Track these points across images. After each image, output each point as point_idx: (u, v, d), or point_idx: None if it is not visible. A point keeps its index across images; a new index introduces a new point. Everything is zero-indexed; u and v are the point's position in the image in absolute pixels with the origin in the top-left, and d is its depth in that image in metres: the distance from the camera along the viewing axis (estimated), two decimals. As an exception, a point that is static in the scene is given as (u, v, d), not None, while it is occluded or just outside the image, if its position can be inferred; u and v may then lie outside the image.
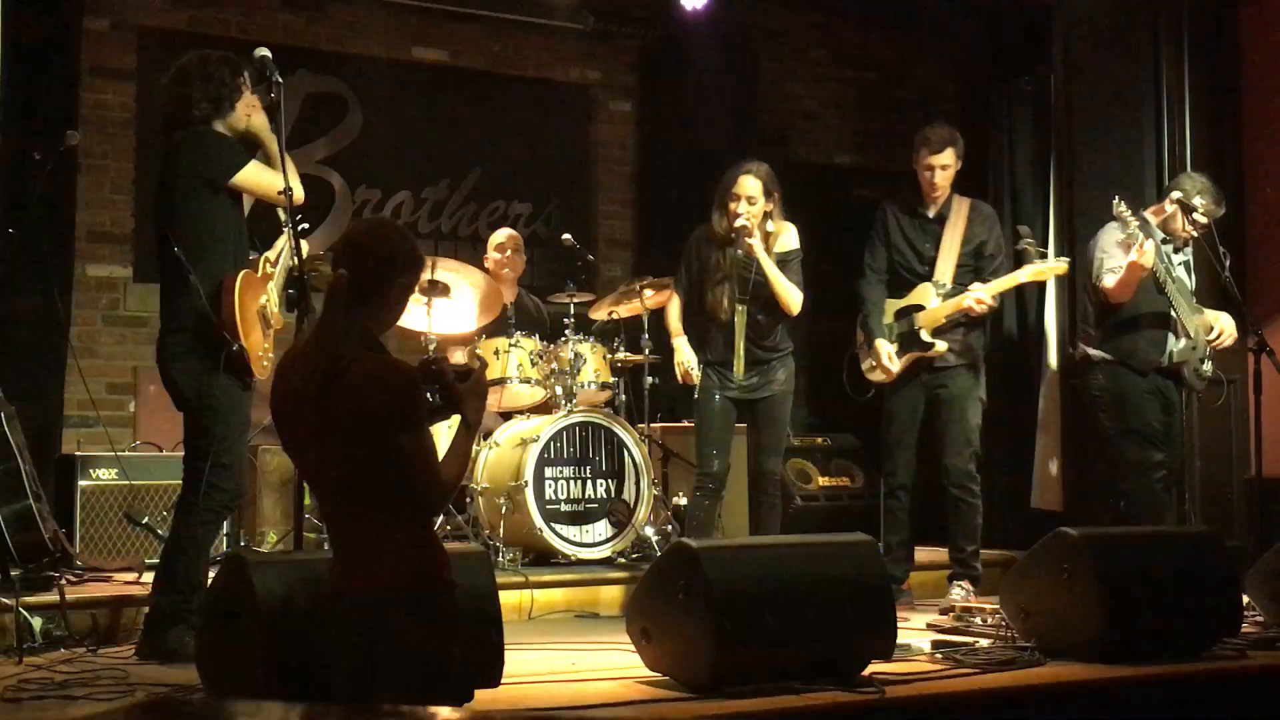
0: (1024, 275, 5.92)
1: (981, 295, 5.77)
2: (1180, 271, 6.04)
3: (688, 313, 6.05)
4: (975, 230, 5.90)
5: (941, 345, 5.82)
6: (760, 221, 5.75)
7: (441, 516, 6.16)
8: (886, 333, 5.90)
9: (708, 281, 5.86)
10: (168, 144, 4.66)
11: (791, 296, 5.77)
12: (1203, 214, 5.97)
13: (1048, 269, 5.94)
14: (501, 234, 7.26)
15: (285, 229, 4.55)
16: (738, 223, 5.69)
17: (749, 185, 5.76)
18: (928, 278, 5.90)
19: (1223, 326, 6.05)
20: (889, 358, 5.85)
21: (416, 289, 6.18)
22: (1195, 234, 5.99)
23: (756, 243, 5.70)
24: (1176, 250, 6.02)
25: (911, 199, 5.98)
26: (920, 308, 5.89)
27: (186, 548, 4.47)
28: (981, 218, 5.95)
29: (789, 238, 5.87)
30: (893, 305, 5.96)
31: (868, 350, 5.97)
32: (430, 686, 2.92)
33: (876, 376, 5.96)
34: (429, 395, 3.03)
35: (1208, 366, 6.03)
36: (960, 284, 5.86)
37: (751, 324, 5.78)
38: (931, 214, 5.91)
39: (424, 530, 3.05)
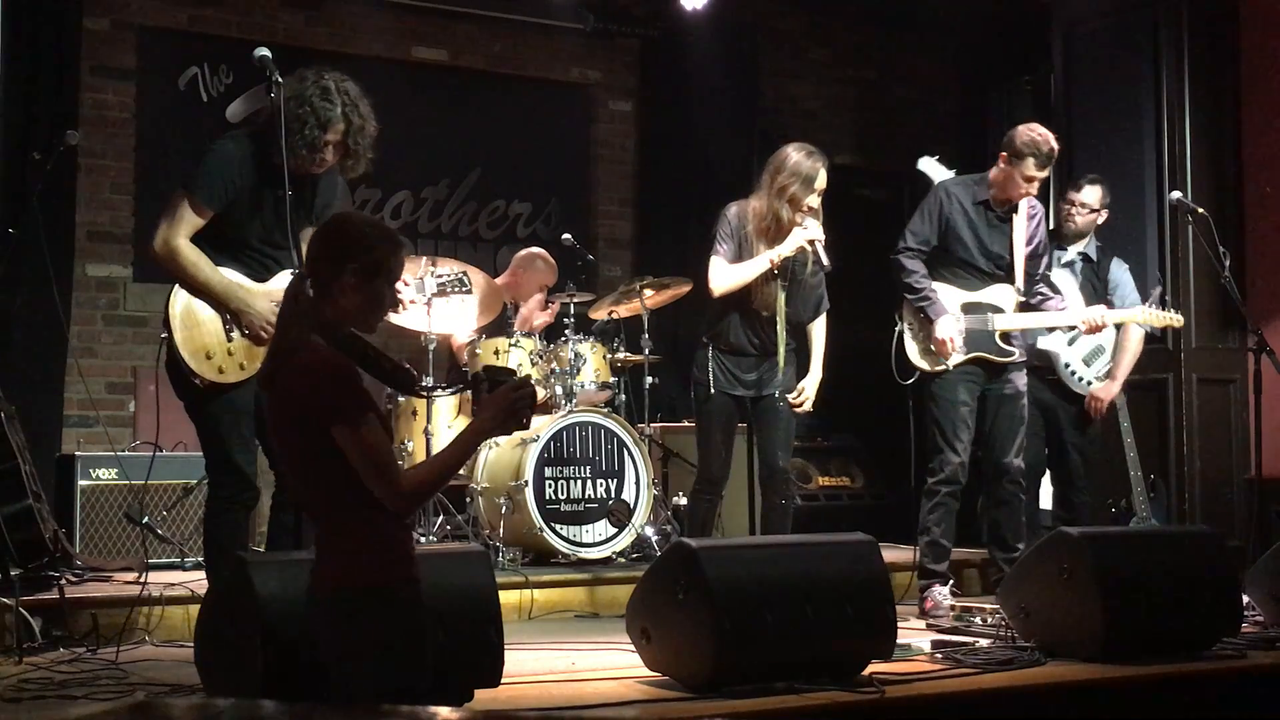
0: (1139, 315, 5.77)
1: (1102, 322, 5.66)
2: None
3: (714, 299, 5.64)
4: (1034, 230, 5.69)
5: (1018, 356, 5.60)
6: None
7: (441, 516, 6.16)
8: (953, 316, 5.54)
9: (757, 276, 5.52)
10: None
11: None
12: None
13: (1164, 317, 5.76)
14: (547, 264, 7.11)
15: (293, 235, 4.52)
16: (813, 232, 5.42)
17: (825, 181, 5.49)
18: (995, 276, 5.62)
19: None
20: (954, 340, 5.48)
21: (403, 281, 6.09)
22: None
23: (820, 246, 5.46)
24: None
25: (977, 190, 5.63)
26: (997, 309, 5.59)
27: (209, 545, 4.50)
28: (1038, 217, 5.73)
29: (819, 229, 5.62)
30: (958, 296, 5.59)
31: (920, 328, 5.58)
32: (403, 685, 2.87)
33: (924, 362, 5.55)
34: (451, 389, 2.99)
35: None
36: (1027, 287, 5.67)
37: (788, 321, 5.55)
38: (1002, 212, 5.62)
39: (380, 527, 2.94)
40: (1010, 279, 5.63)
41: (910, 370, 5.58)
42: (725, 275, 5.52)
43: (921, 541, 5.59)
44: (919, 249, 5.59)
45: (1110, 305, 6.09)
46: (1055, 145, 5.51)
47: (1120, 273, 6.31)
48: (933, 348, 5.54)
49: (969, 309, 5.59)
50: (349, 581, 2.92)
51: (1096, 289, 6.21)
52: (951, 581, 5.61)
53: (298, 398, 2.92)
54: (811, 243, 5.44)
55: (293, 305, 2.99)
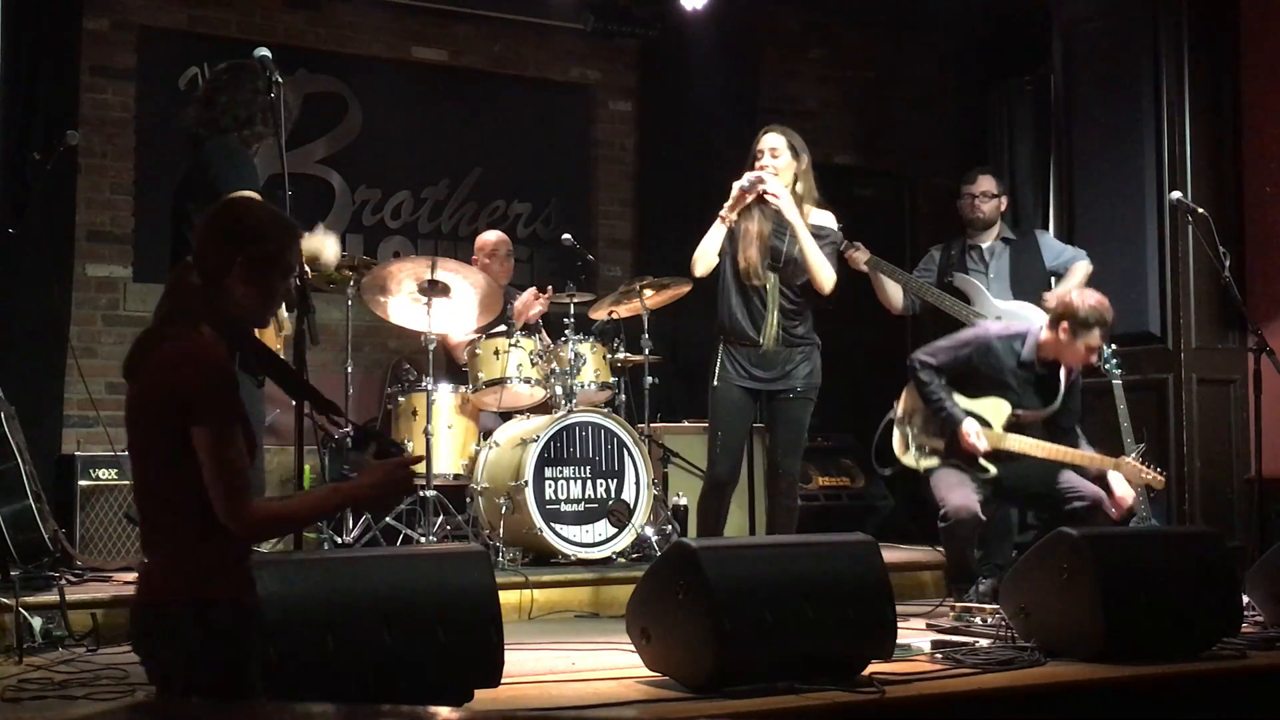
0: (1125, 469, 5.54)
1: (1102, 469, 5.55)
2: None
3: (717, 290, 5.69)
4: (1069, 383, 5.64)
5: (993, 473, 5.52)
6: (791, 184, 5.54)
7: (441, 516, 6.15)
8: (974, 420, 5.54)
9: (739, 247, 5.53)
10: (193, 155, 4.71)
11: (821, 267, 5.47)
12: None
13: (1146, 475, 5.50)
14: (492, 237, 7.24)
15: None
16: (756, 173, 5.48)
17: (770, 139, 5.59)
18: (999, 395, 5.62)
19: None
20: (978, 445, 5.46)
21: (418, 287, 6.14)
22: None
23: (783, 195, 5.45)
24: None
25: (1023, 350, 5.53)
26: (985, 423, 5.53)
27: None
28: (1075, 377, 5.68)
29: (824, 216, 5.64)
30: (960, 400, 5.60)
31: (910, 423, 5.66)
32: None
33: (905, 457, 5.64)
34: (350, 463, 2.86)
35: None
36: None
37: (782, 297, 5.53)
38: (1043, 370, 5.55)
39: (213, 540, 2.76)
40: (1015, 400, 5.58)
41: (890, 460, 5.69)
42: (696, 251, 5.62)
43: (946, 565, 5.68)
44: (936, 369, 5.58)
45: (1050, 272, 6.38)
46: (1112, 319, 5.53)
47: (1046, 238, 6.64)
48: (926, 446, 5.63)
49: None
50: (168, 593, 2.75)
51: (1030, 262, 6.39)
52: (978, 580, 5.59)
53: (165, 384, 2.73)
54: (753, 186, 5.48)
55: (176, 292, 2.84)
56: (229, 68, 4.80)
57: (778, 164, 5.56)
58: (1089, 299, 5.48)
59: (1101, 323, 5.44)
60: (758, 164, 5.58)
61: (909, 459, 5.67)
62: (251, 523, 2.75)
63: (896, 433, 5.72)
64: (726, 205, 5.56)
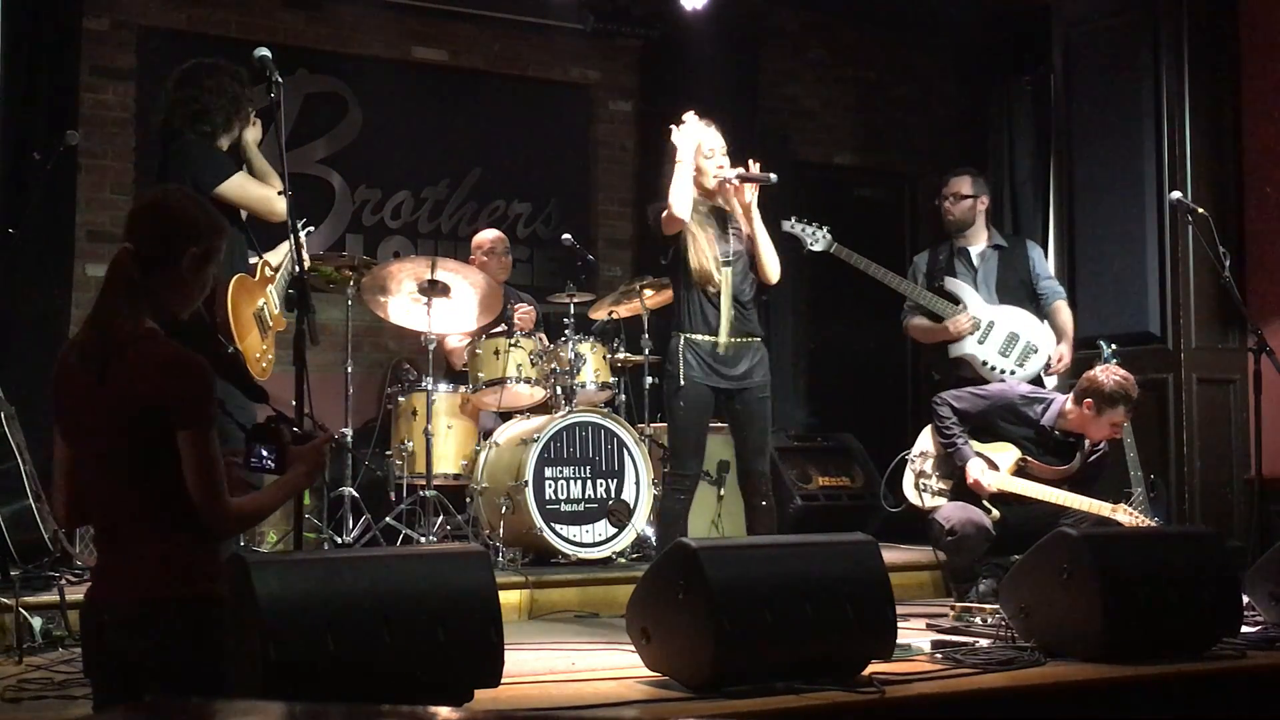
0: (1121, 516, 5.56)
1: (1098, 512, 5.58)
2: None
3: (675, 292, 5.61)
4: (1093, 453, 5.74)
5: (996, 515, 5.59)
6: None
7: (441, 516, 6.15)
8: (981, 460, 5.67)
9: (692, 249, 5.41)
10: (165, 152, 4.72)
11: (773, 259, 5.41)
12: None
13: (1136, 517, 5.56)
14: (489, 235, 7.25)
15: (291, 232, 4.53)
16: (718, 171, 5.42)
17: (711, 138, 5.50)
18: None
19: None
20: (981, 482, 5.59)
21: (418, 287, 6.15)
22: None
23: (746, 183, 5.41)
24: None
25: (1043, 417, 5.67)
26: (993, 465, 5.65)
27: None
28: (1101, 450, 5.78)
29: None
30: (973, 443, 5.72)
31: (922, 464, 5.76)
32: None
33: (914, 496, 5.73)
34: (264, 454, 2.90)
35: None
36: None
37: (735, 291, 5.41)
38: (1063, 439, 5.68)
39: (195, 541, 2.84)
40: (1026, 452, 5.69)
41: (900, 499, 5.76)
42: (671, 199, 5.39)
43: (948, 570, 5.79)
44: (956, 410, 5.71)
45: (1033, 290, 6.31)
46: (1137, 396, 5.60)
47: (1036, 255, 6.46)
48: (934, 486, 5.70)
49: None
50: (168, 590, 2.79)
51: (1016, 271, 6.33)
52: (978, 580, 5.60)
53: (147, 392, 2.76)
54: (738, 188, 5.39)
55: (124, 288, 2.86)
56: (207, 65, 4.83)
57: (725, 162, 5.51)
58: (1113, 376, 5.55)
59: (1126, 399, 5.51)
60: (702, 164, 5.46)
61: (916, 498, 5.74)
62: (230, 519, 2.84)
63: (908, 471, 5.78)
64: (731, 172, 5.44)
